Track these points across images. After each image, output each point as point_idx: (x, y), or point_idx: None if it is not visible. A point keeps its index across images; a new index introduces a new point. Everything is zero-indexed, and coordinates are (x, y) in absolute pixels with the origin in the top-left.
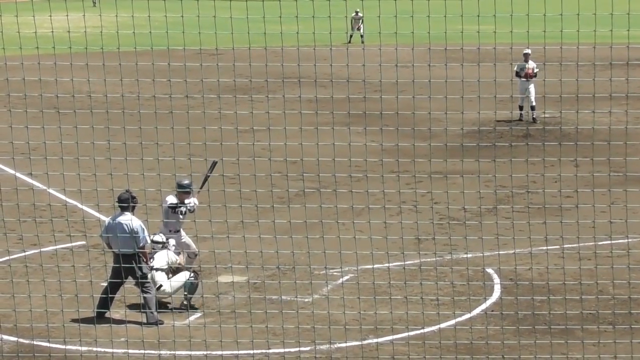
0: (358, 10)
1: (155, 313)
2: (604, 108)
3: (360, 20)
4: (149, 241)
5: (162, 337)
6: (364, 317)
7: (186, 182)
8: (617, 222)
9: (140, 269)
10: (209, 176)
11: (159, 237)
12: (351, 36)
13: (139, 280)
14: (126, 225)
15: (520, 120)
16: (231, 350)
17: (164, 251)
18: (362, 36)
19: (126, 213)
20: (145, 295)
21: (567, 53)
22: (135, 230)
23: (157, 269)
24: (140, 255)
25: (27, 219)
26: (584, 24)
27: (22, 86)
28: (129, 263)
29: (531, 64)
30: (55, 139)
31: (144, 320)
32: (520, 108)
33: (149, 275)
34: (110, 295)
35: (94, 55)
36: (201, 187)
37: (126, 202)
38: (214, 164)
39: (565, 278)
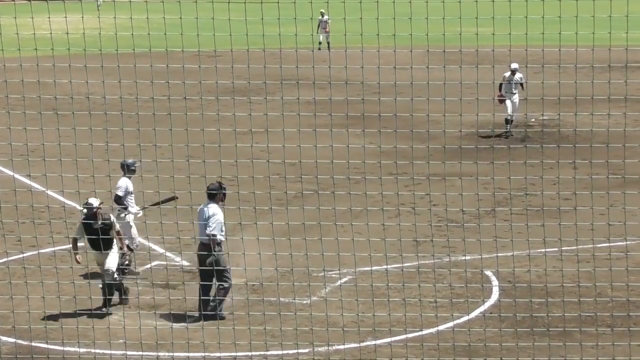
0: (323, 11)
1: (222, 306)
2: (603, 110)
3: (327, 24)
4: (219, 233)
5: (160, 338)
6: (362, 319)
7: (131, 160)
8: (616, 224)
9: (216, 257)
10: (160, 203)
11: (94, 200)
12: (320, 43)
13: (214, 268)
14: (204, 211)
15: (507, 133)
16: (229, 352)
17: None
18: (328, 42)
19: (210, 201)
20: (221, 285)
21: (566, 55)
22: (208, 217)
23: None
24: (214, 244)
25: (25, 221)
26: (583, 26)
27: (20, 88)
28: (206, 251)
29: (518, 77)
30: (54, 140)
31: (207, 310)
32: (507, 122)
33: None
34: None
35: (93, 57)
36: (150, 205)
37: (213, 191)
38: (172, 199)
39: (564, 280)
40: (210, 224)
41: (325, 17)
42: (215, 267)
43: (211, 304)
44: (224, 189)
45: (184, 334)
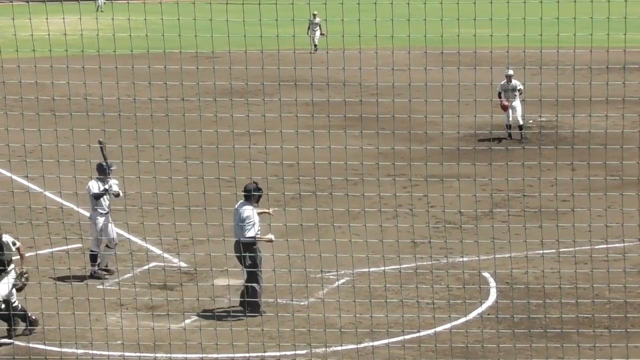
0: (316, 13)
1: (261, 303)
2: (601, 112)
3: (318, 26)
4: (254, 232)
5: (158, 339)
6: (360, 320)
7: (104, 163)
8: (613, 226)
9: (250, 258)
10: (104, 156)
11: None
12: (315, 46)
13: (245, 269)
14: (240, 213)
15: (509, 137)
16: (227, 353)
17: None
18: (315, 45)
19: (245, 202)
20: (250, 284)
21: (564, 57)
22: (243, 219)
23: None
24: (251, 244)
25: (23, 222)
26: (581, 27)
27: (18, 89)
28: (240, 251)
29: (514, 84)
30: (52, 141)
31: (248, 310)
32: (507, 127)
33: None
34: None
35: (91, 58)
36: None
37: (248, 192)
38: (100, 144)
39: (561, 282)
40: (246, 226)
41: (317, 19)
42: (249, 269)
43: (253, 303)
44: (260, 190)
45: (182, 335)
